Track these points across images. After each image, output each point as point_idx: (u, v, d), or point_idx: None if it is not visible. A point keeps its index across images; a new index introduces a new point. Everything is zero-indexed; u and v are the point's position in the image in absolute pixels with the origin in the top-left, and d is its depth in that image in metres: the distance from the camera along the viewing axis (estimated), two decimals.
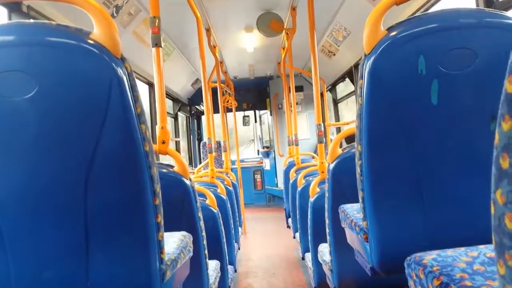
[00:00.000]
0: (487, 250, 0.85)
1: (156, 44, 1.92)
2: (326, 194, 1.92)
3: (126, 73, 0.96)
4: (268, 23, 4.56)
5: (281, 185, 7.61)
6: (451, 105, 1.09)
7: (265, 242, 5.33)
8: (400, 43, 1.07)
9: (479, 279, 0.72)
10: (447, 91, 1.08)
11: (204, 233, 1.89)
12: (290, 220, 4.59)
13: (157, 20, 1.92)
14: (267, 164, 8.36)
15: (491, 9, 1.14)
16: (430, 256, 0.86)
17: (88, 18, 1.00)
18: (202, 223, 1.87)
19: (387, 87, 1.09)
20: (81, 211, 0.98)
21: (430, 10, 2.95)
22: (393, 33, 1.08)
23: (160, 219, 1.06)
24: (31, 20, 1.02)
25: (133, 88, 0.98)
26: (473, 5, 2.41)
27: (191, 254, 1.40)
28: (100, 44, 0.94)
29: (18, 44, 0.93)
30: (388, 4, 1.10)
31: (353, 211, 1.45)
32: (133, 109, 0.97)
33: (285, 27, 4.59)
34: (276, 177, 8.05)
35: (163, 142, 1.85)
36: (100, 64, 0.93)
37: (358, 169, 1.20)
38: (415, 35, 1.07)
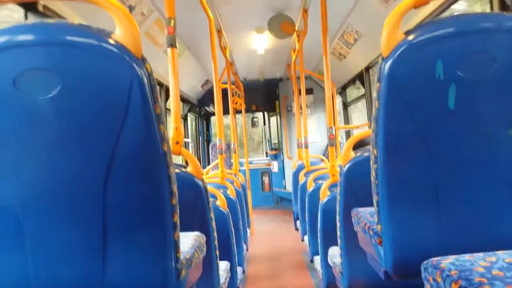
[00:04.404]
0: (506, 256, 0.85)
1: (171, 44, 1.94)
2: (338, 197, 1.92)
3: (147, 73, 0.97)
4: (279, 25, 4.57)
5: (289, 188, 7.60)
6: (468, 110, 1.08)
7: (273, 244, 5.33)
8: (418, 47, 1.07)
9: (499, 284, 0.72)
10: (465, 96, 1.07)
11: (215, 234, 1.89)
12: (298, 222, 4.58)
13: (172, 21, 1.94)
14: (275, 166, 8.36)
15: (510, 13, 1.14)
16: (447, 260, 0.85)
17: (104, 18, 1.00)
18: (213, 224, 1.88)
19: (404, 91, 1.09)
20: (100, 210, 0.99)
21: (444, 14, 2.94)
22: (411, 37, 1.08)
23: (177, 218, 1.07)
24: (54, 20, 1.03)
25: (153, 88, 0.99)
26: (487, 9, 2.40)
27: (204, 254, 1.41)
28: (122, 45, 0.95)
29: (41, 43, 0.94)
30: (406, 7, 1.10)
31: (366, 214, 1.45)
32: (153, 110, 0.98)
33: (296, 29, 4.59)
34: (284, 179, 8.05)
35: (177, 143, 1.86)
36: (121, 64, 0.94)
37: (373, 173, 1.19)
38: (433, 39, 1.06)
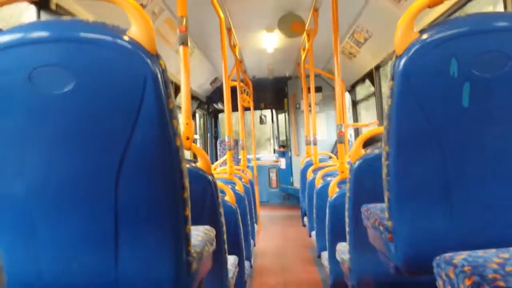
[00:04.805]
0: None
1: (183, 42, 1.96)
2: (347, 194, 1.93)
3: (161, 69, 0.98)
4: (290, 24, 4.56)
5: (296, 184, 7.61)
6: (482, 108, 1.09)
7: (279, 240, 5.34)
8: (432, 46, 1.07)
9: None
10: (479, 94, 1.07)
11: (224, 228, 1.91)
12: (305, 219, 4.59)
13: (184, 20, 1.96)
14: (282, 163, 8.37)
15: None
16: (460, 256, 0.86)
17: (117, 17, 1.02)
18: (223, 218, 1.90)
19: (418, 89, 1.10)
20: (112, 202, 1.01)
21: (456, 14, 2.93)
22: (425, 35, 1.08)
23: (188, 212, 1.08)
24: (69, 17, 1.06)
25: (166, 84, 1.00)
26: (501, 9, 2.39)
27: (214, 247, 1.42)
28: (136, 41, 0.96)
29: (56, 39, 0.96)
30: (421, 6, 1.11)
31: (376, 210, 1.46)
32: (166, 105, 0.99)
33: (306, 28, 4.59)
34: (292, 176, 8.06)
35: (187, 138, 1.89)
36: (135, 60, 0.96)
37: (384, 170, 1.20)
38: (447, 38, 1.07)
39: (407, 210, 1.17)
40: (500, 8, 2.37)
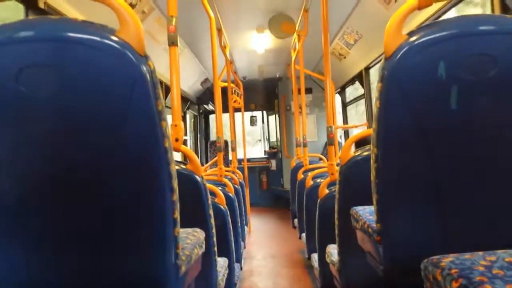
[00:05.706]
0: (506, 255, 0.86)
1: (173, 42, 1.94)
2: (337, 196, 1.93)
3: (150, 70, 0.97)
4: (280, 25, 4.57)
5: (286, 186, 7.62)
6: (470, 110, 1.09)
7: (269, 242, 5.35)
8: (420, 48, 1.08)
9: (499, 283, 0.73)
10: (467, 97, 1.08)
11: (214, 230, 1.91)
12: (296, 220, 4.60)
13: (174, 19, 1.94)
14: (273, 164, 8.38)
15: (511, 15, 1.15)
16: (447, 259, 0.86)
17: (106, 16, 1.00)
18: (212, 221, 1.89)
19: (406, 91, 1.10)
20: (100, 204, 1.00)
21: (443, 17, 2.95)
22: (414, 38, 1.09)
23: (177, 215, 1.07)
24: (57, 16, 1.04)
25: (155, 85, 0.99)
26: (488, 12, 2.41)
27: (204, 250, 1.41)
28: (125, 41, 0.95)
29: (44, 39, 0.94)
30: (410, 8, 1.11)
31: (365, 213, 1.46)
32: (155, 106, 0.98)
33: (296, 29, 4.60)
34: (282, 177, 8.07)
35: (177, 140, 1.87)
36: (124, 61, 0.95)
37: (373, 172, 1.20)
38: (435, 41, 1.07)
39: (395, 213, 1.18)
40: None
